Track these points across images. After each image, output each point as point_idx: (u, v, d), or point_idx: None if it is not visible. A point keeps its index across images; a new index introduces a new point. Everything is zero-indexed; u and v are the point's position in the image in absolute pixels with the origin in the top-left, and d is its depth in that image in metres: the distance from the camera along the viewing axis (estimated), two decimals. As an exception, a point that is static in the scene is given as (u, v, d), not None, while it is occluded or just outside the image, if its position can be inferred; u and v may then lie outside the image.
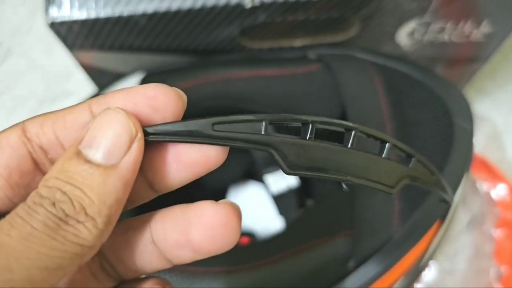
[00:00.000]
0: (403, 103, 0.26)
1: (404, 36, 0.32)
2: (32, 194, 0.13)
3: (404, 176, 0.17)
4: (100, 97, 0.15)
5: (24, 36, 0.47)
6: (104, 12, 0.28)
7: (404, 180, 0.17)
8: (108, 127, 0.14)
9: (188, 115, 0.30)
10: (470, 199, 0.41)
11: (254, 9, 0.28)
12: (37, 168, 0.15)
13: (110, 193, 0.13)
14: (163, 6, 0.28)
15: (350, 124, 0.16)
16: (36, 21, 0.47)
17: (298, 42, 0.31)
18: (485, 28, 0.32)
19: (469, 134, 0.25)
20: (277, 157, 0.14)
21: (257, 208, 0.33)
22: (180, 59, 0.32)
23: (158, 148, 0.15)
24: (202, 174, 0.15)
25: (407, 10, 0.29)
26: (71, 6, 0.28)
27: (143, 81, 0.29)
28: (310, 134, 0.15)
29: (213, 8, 0.28)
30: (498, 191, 0.40)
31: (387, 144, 0.17)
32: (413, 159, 0.17)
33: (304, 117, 0.15)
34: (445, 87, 0.26)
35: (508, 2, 0.29)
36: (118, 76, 0.32)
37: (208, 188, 0.35)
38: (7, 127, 0.15)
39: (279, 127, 0.16)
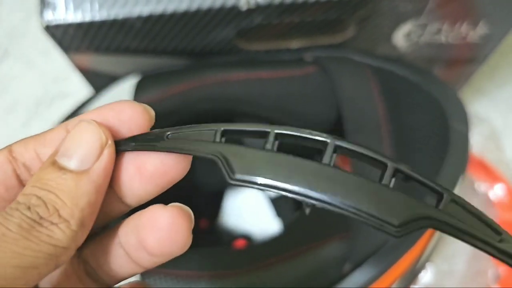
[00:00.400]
0: (399, 106, 0.26)
1: (401, 37, 0.32)
2: (12, 203, 0.14)
3: (418, 215, 0.13)
4: (75, 118, 0.16)
5: (21, 38, 0.47)
6: (99, 15, 0.28)
7: (419, 222, 0.13)
8: (80, 136, 0.15)
9: (185, 117, 0.30)
10: (468, 200, 0.40)
11: (250, 11, 0.28)
12: (21, 184, 0.16)
13: (82, 196, 0.14)
14: (158, 9, 0.28)
15: (324, 137, 0.14)
16: (33, 23, 0.47)
17: (295, 44, 0.31)
18: (481, 29, 0.31)
19: (465, 137, 0.25)
20: (220, 165, 0.14)
21: (254, 210, 0.33)
22: (176, 61, 0.32)
23: (122, 161, 0.16)
24: (166, 186, 0.16)
25: (403, 12, 0.29)
26: (66, 9, 0.28)
27: (139, 84, 0.29)
28: (270, 145, 0.14)
29: (209, 10, 0.28)
30: (496, 192, 0.40)
31: (388, 167, 0.14)
32: (444, 195, 0.13)
33: (262, 128, 0.14)
34: (442, 89, 0.26)
35: (504, 3, 0.29)
36: (114, 78, 0.32)
37: (205, 191, 0.35)
38: (4, 128, 0.16)
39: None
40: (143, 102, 0.29)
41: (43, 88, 0.45)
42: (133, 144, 0.15)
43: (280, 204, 0.32)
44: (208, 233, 0.33)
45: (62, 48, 0.30)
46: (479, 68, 0.37)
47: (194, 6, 0.28)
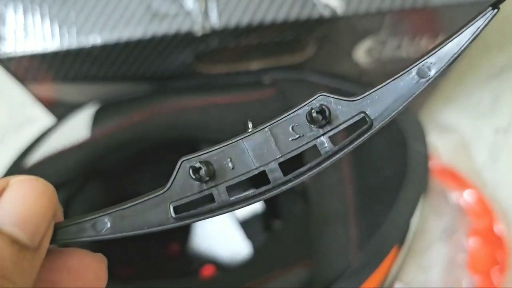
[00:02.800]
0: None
1: (362, 54, 0.32)
2: None
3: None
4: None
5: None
6: (52, 45, 0.27)
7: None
8: (34, 202, 0.13)
9: (144, 148, 0.30)
10: (442, 210, 0.41)
11: (205, 36, 0.28)
12: None
13: (31, 277, 0.12)
14: (113, 37, 0.28)
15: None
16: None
17: (254, 65, 0.31)
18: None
19: (424, 158, 0.25)
20: None
21: (223, 234, 0.33)
22: (136, 87, 0.31)
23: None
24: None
25: (361, 29, 0.29)
26: (17, 40, 0.27)
27: (97, 114, 0.28)
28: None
29: (164, 37, 0.28)
30: (468, 200, 0.40)
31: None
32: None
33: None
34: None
35: (461, 15, 0.29)
36: (75, 106, 0.31)
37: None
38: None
39: None
40: (101, 133, 0.28)
41: (10, 113, 0.44)
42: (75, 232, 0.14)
43: (249, 226, 0.32)
44: (177, 259, 0.33)
45: (18, 80, 0.30)
46: (446, 78, 0.37)
47: (149, 33, 0.27)
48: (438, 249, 0.40)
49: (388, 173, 0.25)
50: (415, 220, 0.25)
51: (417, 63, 0.14)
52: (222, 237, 0.33)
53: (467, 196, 0.40)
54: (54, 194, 0.13)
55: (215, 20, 0.27)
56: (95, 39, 0.27)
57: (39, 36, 0.27)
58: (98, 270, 0.14)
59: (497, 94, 0.44)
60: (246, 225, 0.32)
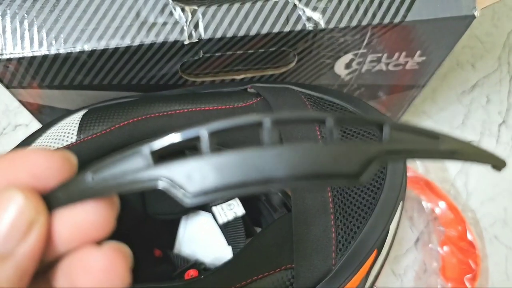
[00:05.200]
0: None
1: (343, 67, 0.33)
2: None
3: (373, 155, 0.13)
4: None
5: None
6: (40, 51, 0.28)
7: (376, 160, 0.13)
8: (1, 211, 0.13)
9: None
10: (417, 218, 0.42)
11: (192, 45, 0.28)
12: None
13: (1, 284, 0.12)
14: (101, 45, 0.28)
15: (257, 118, 0.13)
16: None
17: (240, 76, 0.32)
18: (419, 58, 0.33)
19: (402, 164, 0.26)
20: (170, 189, 0.12)
21: (207, 239, 0.34)
22: (123, 94, 0.32)
23: (52, 222, 0.14)
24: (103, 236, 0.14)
25: (343, 44, 0.30)
26: (4, 45, 0.27)
27: (84, 118, 0.29)
28: (206, 147, 0.12)
29: (151, 45, 0.28)
30: (442, 210, 0.42)
31: (326, 122, 0.13)
32: (384, 126, 0.13)
33: (193, 133, 0.12)
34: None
35: (437, 34, 0.31)
36: (61, 113, 0.32)
37: (158, 220, 0.34)
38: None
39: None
40: (88, 137, 0.28)
41: (-9, 119, 0.44)
42: (62, 197, 0.13)
43: (231, 231, 0.33)
44: (160, 264, 0.33)
45: (3, 85, 0.30)
46: (422, 92, 0.39)
47: (136, 42, 0.28)
48: (412, 257, 0.41)
49: (367, 183, 0.26)
50: (393, 226, 0.26)
51: None
52: (204, 241, 0.34)
53: (440, 206, 0.42)
54: (28, 202, 0.13)
55: (201, 30, 0.28)
56: (83, 46, 0.28)
57: (26, 42, 0.28)
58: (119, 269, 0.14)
59: (469, 109, 0.46)
60: (228, 229, 0.32)
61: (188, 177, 0.12)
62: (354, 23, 0.28)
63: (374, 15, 0.28)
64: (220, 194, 0.12)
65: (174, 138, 0.13)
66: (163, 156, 0.13)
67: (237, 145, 0.22)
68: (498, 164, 0.15)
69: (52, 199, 0.14)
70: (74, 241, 0.14)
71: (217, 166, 0.12)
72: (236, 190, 0.12)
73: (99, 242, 0.14)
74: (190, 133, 0.13)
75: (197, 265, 0.32)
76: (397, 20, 0.29)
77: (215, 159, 0.12)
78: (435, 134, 0.14)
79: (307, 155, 0.12)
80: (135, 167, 0.13)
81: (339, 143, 0.13)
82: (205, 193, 0.12)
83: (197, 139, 0.13)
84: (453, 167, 0.44)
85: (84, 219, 0.14)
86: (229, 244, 0.33)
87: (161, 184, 0.12)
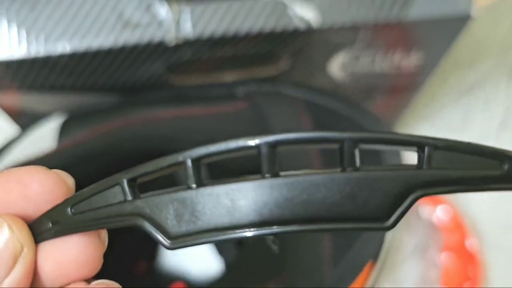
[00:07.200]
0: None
1: (336, 68, 0.32)
2: None
3: (407, 191, 0.10)
4: None
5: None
6: (19, 52, 0.26)
7: (410, 199, 0.10)
8: None
9: (112, 159, 0.29)
10: (414, 225, 0.41)
11: (178, 46, 0.27)
12: None
13: None
14: (82, 46, 0.27)
15: (255, 141, 0.10)
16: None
17: (228, 77, 0.31)
18: (414, 57, 0.32)
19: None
20: (150, 229, 0.11)
21: (193, 250, 0.32)
22: (107, 97, 0.30)
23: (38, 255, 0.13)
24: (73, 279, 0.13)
25: (336, 43, 0.29)
26: (-19, 48, 0.26)
27: (64, 125, 0.27)
28: (193, 181, 0.11)
29: (135, 47, 0.27)
30: (440, 215, 0.40)
31: (345, 145, 0.10)
32: (426, 148, 0.10)
33: (174, 159, 0.11)
34: (373, 123, 0.26)
35: (435, 31, 0.30)
36: (41, 117, 0.30)
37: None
38: None
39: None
40: (68, 144, 0.27)
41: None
42: (48, 227, 0.12)
43: (220, 242, 0.31)
44: (146, 276, 0.31)
45: (-20, 88, 0.29)
46: (419, 93, 0.37)
47: (120, 43, 0.27)
48: (410, 265, 0.40)
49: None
50: (389, 236, 0.25)
51: None
52: (192, 253, 0.32)
53: (439, 212, 0.40)
54: (13, 235, 0.12)
55: (189, 30, 0.27)
56: (64, 47, 0.27)
57: (5, 42, 0.26)
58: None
59: (468, 111, 0.45)
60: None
61: (169, 218, 0.11)
62: (347, 22, 0.27)
63: (368, 14, 0.27)
64: (207, 239, 0.11)
65: (153, 166, 0.11)
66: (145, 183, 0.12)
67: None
68: None
69: (40, 227, 0.13)
70: (58, 279, 0.13)
71: (202, 204, 0.11)
72: (217, 238, 0.11)
73: (88, 280, 0.13)
74: (172, 158, 0.11)
75: (184, 277, 0.31)
76: (392, 19, 0.27)
77: (200, 196, 0.11)
78: (499, 153, 0.10)
79: (318, 191, 0.10)
80: (112, 201, 0.12)
81: (362, 174, 0.10)
82: (187, 238, 0.11)
83: (180, 165, 0.11)
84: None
85: (65, 256, 0.13)
86: (217, 254, 0.32)
87: (140, 223, 0.11)
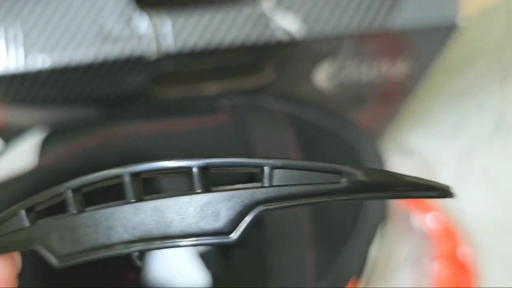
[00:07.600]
0: (314, 155, 0.25)
1: (322, 78, 0.31)
2: None
3: (247, 207, 0.12)
4: None
5: None
6: (-2, 66, 0.26)
7: (253, 211, 0.12)
8: None
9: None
10: (405, 234, 0.40)
11: (160, 59, 0.27)
12: None
13: None
14: (63, 60, 0.26)
15: (116, 171, 0.13)
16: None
17: (212, 89, 0.30)
18: (401, 66, 0.31)
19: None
20: (42, 251, 0.13)
21: (180, 263, 0.32)
22: (88, 111, 0.30)
23: None
24: None
25: (320, 53, 0.29)
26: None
27: (45, 141, 0.27)
28: (73, 208, 0.13)
29: (116, 60, 0.27)
30: (432, 224, 0.40)
31: (193, 169, 0.12)
32: (265, 168, 0.12)
33: (56, 189, 0.13)
34: (357, 136, 0.26)
35: (419, 44, 0.29)
36: (21, 131, 0.30)
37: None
38: None
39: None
40: (49, 160, 0.27)
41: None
42: None
43: (207, 254, 0.31)
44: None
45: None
46: (409, 102, 0.37)
47: (101, 57, 0.26)
48: (403, 275, 0.40)
49: (345, 204, 0.24)
50: (374, 250, 0.24)
51: None
52: (179, 266, 0.32)
53: (430, 220, 0.40)
54: None
55: (170, 43, 0.27)
56: (44, 61, 0.26)
57: (-16, 57, 0.26)
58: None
59: (460, 116, 0.45)
60: (204, 254, 0.31)
61: (55, 240, 0.13)
62: (331, 33, 0.27)
63: (351, 23, 0.27)
64: (85, 258, 0.12)
65: (40, 197, 0.13)
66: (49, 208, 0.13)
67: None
68: (442, 192, 0.13)
69: None
70: None
71: (83, 227, 0.12)
72: (91, 256, 0.12)
73: None
74: (55, 190, 0.13)
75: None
76: (376, 28, 0.27)
77: (80, 220, 0.12)
78: (337, 169, 0.12)
79: (177, 212, 0.12)
80: (16, 227, 0.13)
81: (211, 194, 0.12)
82: (70, 257, 0.13)
83: (61, 195, 0.13)
84: (443, 175, 0.42)
85: None
86: (204, 268, 0.32)
87: (36, 247, 0.13)
